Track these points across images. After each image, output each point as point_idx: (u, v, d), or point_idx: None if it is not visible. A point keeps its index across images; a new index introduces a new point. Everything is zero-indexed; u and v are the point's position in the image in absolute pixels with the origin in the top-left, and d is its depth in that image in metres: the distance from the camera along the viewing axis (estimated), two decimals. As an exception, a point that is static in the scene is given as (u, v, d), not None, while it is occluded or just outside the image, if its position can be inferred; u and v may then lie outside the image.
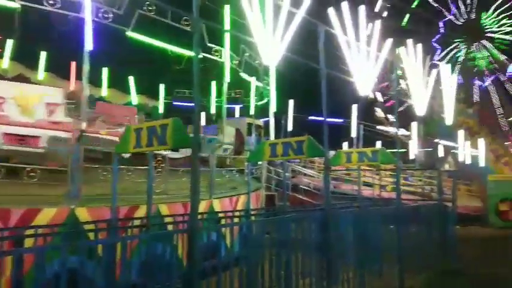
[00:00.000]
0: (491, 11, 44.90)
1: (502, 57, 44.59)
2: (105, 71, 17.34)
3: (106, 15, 8.18)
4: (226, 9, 10.22)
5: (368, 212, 9.47)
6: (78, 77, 12.04)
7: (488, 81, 45.37)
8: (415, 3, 46.31)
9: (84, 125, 8.38)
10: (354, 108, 24.27)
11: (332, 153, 10.49)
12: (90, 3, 7.68)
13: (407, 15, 46.43)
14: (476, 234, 16.05)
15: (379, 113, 43.28)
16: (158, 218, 7.91)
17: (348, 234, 7.80)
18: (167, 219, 7.70)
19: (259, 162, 12.86)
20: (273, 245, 6.14)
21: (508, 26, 44.33)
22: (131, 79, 18.44)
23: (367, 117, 32.60)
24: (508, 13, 44.12)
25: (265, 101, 16.67)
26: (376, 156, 9.40)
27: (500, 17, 44.72)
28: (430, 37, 46.46)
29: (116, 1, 8.11)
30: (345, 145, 26.84)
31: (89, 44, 7.61)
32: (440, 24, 46.95)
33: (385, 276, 8.05)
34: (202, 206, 9.20)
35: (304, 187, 17.35)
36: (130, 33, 8.82)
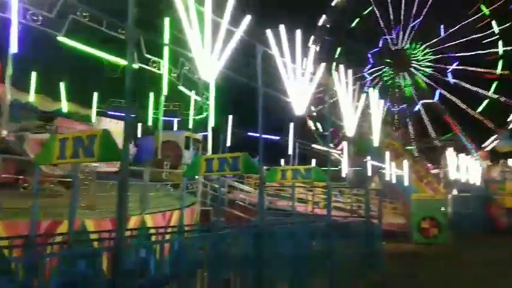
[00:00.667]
0: (423, 46, 49.05)
1: (424, 87, 48.76)
2: (33, 76, 16.25)
3: (35, 18, 7.70)
4: (166, 22, 10.11)
5: (301, 228, 9.71)
6: (2, 80, 11.15)
7: (397, 109, 49.30)
8: (367, 10, 49.57)
9: (4, 133, 7.74)
10: (291, 126, 24.99)
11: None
12: (16, 3, 7.20)
13: (357, 20, 49.75)
14: (401, 249, 17.06)
15: (309, 121, 45.76)
16: (83, 234, 7.47)
17: (281, 250, 7.92)
18: (94, 236, 7.30)
19: (196, 177, 12.71)
20: (206, 262, 6.05)
21: (427, 63, 48.63)
22: (62, 85, 17.47)
23: (304, 136, 33.80)
24: (431, 47, 48.49)
25: (204, 115, 16.61)
26: (309, 174, 9.71)
27: (425, 51, 49.01)
28: (368, 49, 50.04)
29: (45, 4, 7.66)
30: (282, 162, 27.46)
31: (14, 46, 7.10)
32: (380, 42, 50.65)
33: (315, 290, 8.27)
34: (133, 222, 8.85)
35: (240, 202, 17.38)
36: (61, 39, 8.36)
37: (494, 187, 34.53)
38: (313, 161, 27.75)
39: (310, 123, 47.00)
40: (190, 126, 16.78)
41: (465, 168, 26.89)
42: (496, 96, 43.89)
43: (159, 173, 13.71)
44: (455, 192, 25.29)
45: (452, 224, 19.93)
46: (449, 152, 24.47)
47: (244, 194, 18.36)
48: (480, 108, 44.80)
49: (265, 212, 14.84)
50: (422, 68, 48.93)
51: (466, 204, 23.51)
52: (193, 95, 14.40)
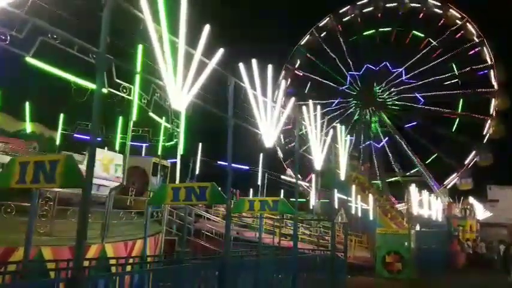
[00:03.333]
0: (388, 86, 51.09)
1: (389, 123, 50.38)
2: (-4, 94, 15.70)
3: (3, 37, 7.56)
4: (139, 49, 10.13)
5: (266, 260, 9.62)
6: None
7: (363, 144, 50.71)
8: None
9: None
10: (261, 157, 25.12)
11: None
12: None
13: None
14: (365, 284, 17.10)
15: (279, 153, 46.56)
16: (39, 263, 7.10)
17: (245, 282, 7.80)
18: (51, 265, 6.94)
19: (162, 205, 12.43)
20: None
21: (394, 100, 50.62)
22: (27, 105, 16.98)
23: (273, 166, 34.02)
24: (396, 87, 50.59)
25: (173, 142, 16.46)
26: (277, 206, 9.74)
27: (390, 90, 51.05)
28: (337, 85, 51.60)
29: (14, 23, 7.55)
30: (251, 192, 27.38)
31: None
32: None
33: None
34: (93, 251, 8.51)
35: (207, 233, 17.06)
36: (29, 60, 8.20)
37: (456, 223, 35.71)
38: (282, 192, 27.83)
39: (280, 155, 47.50)
40: (159, 152, 16.55)
41: (427, 204, 27.68)
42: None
43: (123, 199, 13.32)
44: (418, 227, 25.86)
45: (415, 259, 20.21)
46: (412, 188, 25.21)
47: (211, 224, 18.07)
48: (454, 127, 46.57)
49: (232, 243, 14.66)
50: (387, 106, 50.82)
51: (428, 240, 24.01)
52: (163, 122, 14.30)
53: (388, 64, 50.74)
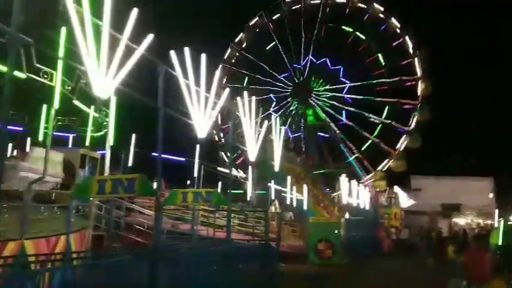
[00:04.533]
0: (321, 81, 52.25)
1: (323, 117, 51.95)
2: None
3: None
4: (62, 32, 9.42)
5: (199, 252, 9.56)
6: None
7: (298, 135, 51.86)
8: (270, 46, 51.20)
9: None
10: (197, 148, 24.83)
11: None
12: None
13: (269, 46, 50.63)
14: (298, 271, 17.68)
15: (221, 154, 46.49)
16: None
17: (178, 275, 7.69)
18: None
19: (90, 198, 11.81)
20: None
21: (328, 92, 52.19)
22: None
23: (210, 158, 33.68)
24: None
25: (103, 132, 15.68)
26: (211, 197, 9.70)
27: (323, 83, 52.48)
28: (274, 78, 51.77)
29: None
30: (188, 184, 26.93)
31: None
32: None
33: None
34: (10, 248, 7.88)
35: (138, 227, 16.51)
36: None
37: (382, 211, 38.15)
38: (219, 184, 27.72)
39: (218, 149, 47.17)
40: (88, 143, 15.68)
41: (356, 193, 29.22)
42: (388, 121, 48.18)
43: (47, 193, 12.47)
44: (347, 215, 27.23)
45: (345, 246, 21.29)
46: (342, 179, 26.46)
47: (144, 218, 17.51)
48: (376, 133, 48.69)
49: (165, 237, 14.36)
50: (322, 99, 52.17)
51: (357, 227, 25.39)
52: (91, 111, 13.53)
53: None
